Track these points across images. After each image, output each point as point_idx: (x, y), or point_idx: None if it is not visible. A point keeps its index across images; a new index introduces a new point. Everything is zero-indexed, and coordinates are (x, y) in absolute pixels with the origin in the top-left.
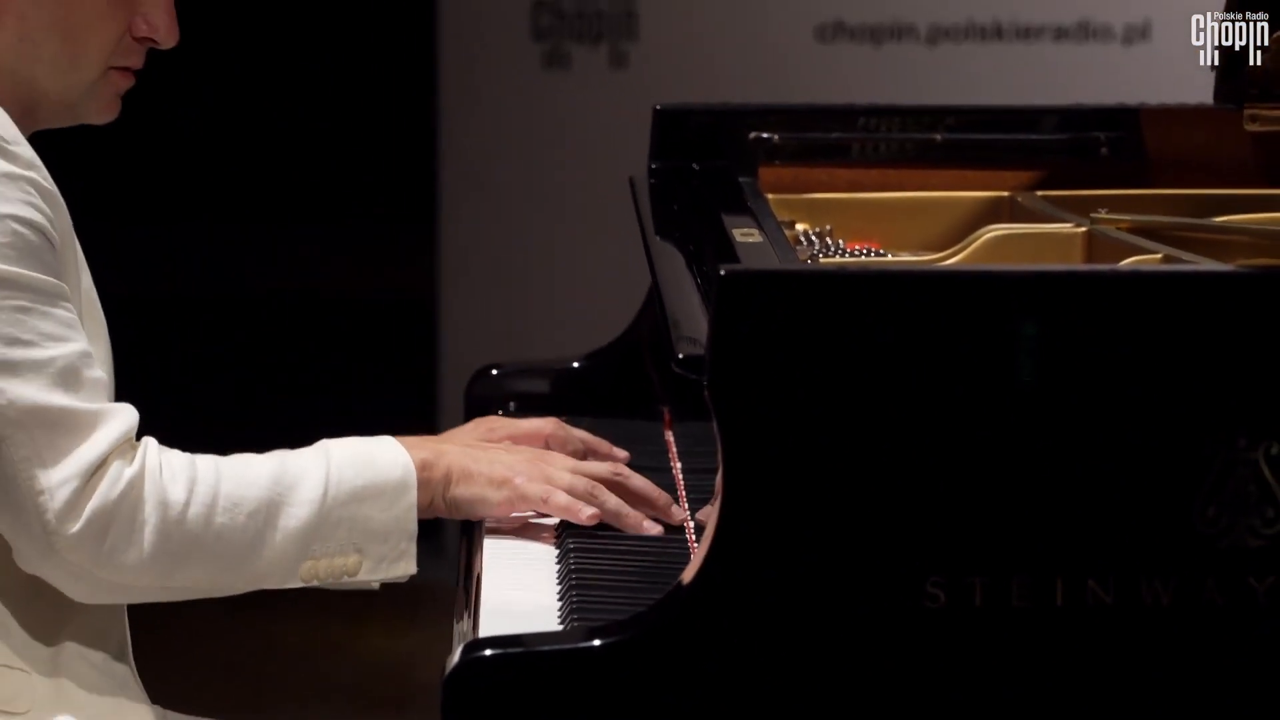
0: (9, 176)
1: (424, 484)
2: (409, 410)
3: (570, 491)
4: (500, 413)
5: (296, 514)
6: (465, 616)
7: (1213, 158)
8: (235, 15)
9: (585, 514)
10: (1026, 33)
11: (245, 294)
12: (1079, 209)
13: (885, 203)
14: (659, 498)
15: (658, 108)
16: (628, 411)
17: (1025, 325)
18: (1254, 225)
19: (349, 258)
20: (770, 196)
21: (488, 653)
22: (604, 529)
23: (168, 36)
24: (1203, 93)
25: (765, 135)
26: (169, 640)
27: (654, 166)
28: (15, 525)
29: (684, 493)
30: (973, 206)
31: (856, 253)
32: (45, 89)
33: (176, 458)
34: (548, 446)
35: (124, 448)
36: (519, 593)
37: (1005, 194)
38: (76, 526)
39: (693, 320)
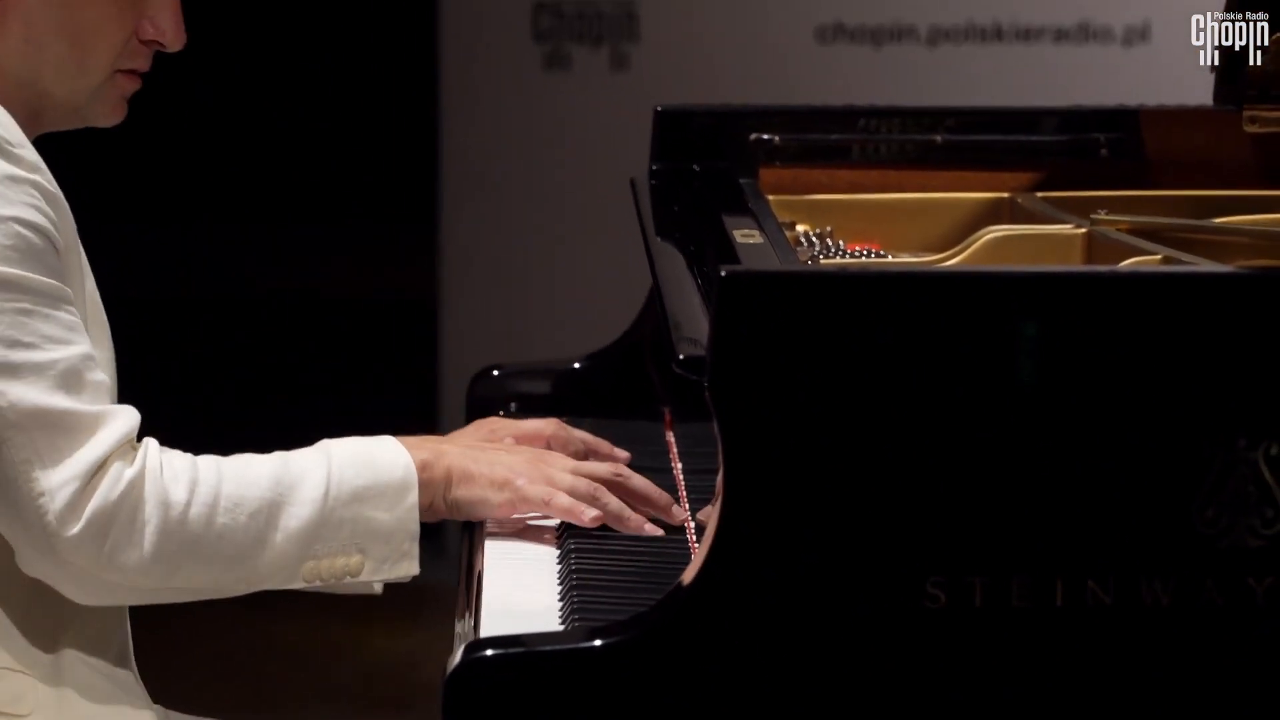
0: (13, 179)
1: (425, 485)
2: (410, 411)
3: (572, 493)
4: (501, 413)
5: (298, 514)
6: (466, 617)
7: (1212, 159)
8: (237, 16)
9: (587, 516)
10: (1026, 34)
11: (246, 294)
12: (1079, 210)
13: (886, 204)
14: (659, 498)
15: (658, 109)
16: (629, 412)
17: (1025, 326)
18: (1253, 226)
19: (350, 258)
20: (771, 198)
21: (489, 653)
22: (605, 529)
23: (175, 40)
24: (1202, 94)
25: (766, 136)
26: (170, 640)
27: (655, 168)
28: (16, 527)
29: (685, 493)
30: (973, 208)
31: (857, 254)
32: (51, 92)
33: (178, 458)
34: (549, 447)
35: (124, 449)
36: (520, 593)
37: (1005, 195)
38: (77, 528)
39: (693, 321)
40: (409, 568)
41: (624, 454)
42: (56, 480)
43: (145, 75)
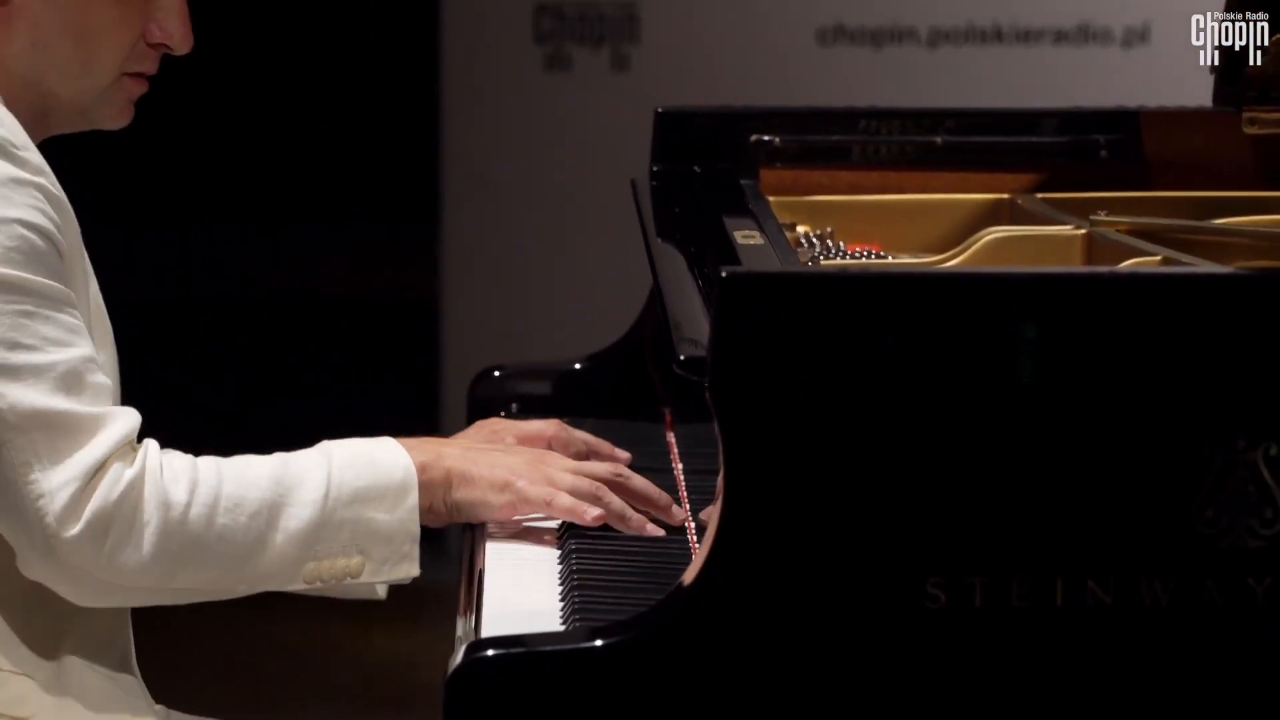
0: (17, 181)
1: (424, 487)
2: (411, 411)
3: (574, 493)
4: (502, 414)
5: (298, 514)
6: (467, 617)
7: (1212, 160)
8: (239, 17)
9: (590, 515)
10: (1026, 36)
11: (247, 295)
12: (1079, 211)
13: (886, 205)
14: (659, 498)
15: (659, 110)
16: (629, 413)
17: (1025, 327)
18: (1253, 227)
19: (351, 258)
20: (771, 199)
21: (490, 653)
22: (606, 530)
23: (182, 43)
24: (1202, 96)
25: (766, 138)
26: (171, 640)
27: (655, 169)
28: (16, 529)
29: (685, 494)
30: (973, 209)
31: (857, 255)
32: (57, 94)
33: (178, 459)
34: (550, 448)
35: (124, 450)
36: (521, 593)
37: (1005, 196)
38: (77, 529)
39: (694, 322)
40: (409, 569)
41: (625, 455)
42: (56, 481)
43: (151, 78)
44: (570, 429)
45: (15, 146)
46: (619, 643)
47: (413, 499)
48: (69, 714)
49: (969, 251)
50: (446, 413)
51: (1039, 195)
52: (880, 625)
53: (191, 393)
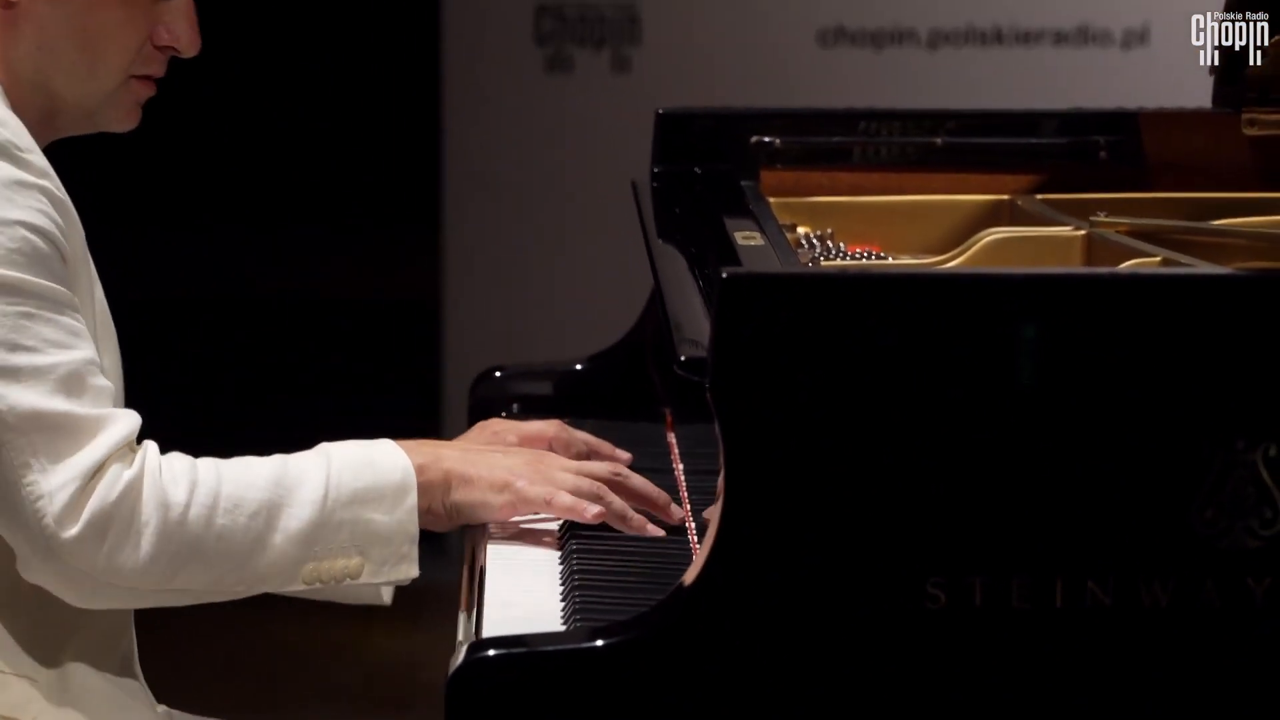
0: (21, 184)
1: (423, 488)
2: (412, 412)
3: (575, 492)
4: (504, 414)
5: (298, 515)
6: (468, 617)
7: (1211, 161)
8: (240, 18)
9: (590, 512)
10: (1026, 37)
11: (249, 295)
12: (1078, 212)
13: (886, 206)
14: (658, 497)
15: (660, 112)
16: (630, 413)
17: (1025, 328)
18: (1252, 228)
19: (353, 259)
20: (772, 200)
21: (491, 653)
22: (606, 530)
23: (190, 45)
24: (1201, 97)
25: (767, 139)
26: (172, 641)
27: (656, 170)
28: (16, 531)
29: (686, 494)
30: (973, 210)
31: (857, 256)
32: (64, 97)
33: (177, 460)
34: (551, 448)
35: (123, 451)
36: (522, 593)
37: (1005, 197)
38: (75, 529)
39: (695, 323)
40: (409, 570)
41: (625, 455)
42: (55, 482)
43: (158, 80)
44: (571, 429)
45: (19, 149)
46: (620, 643)
47: (411, 500)
48: (71, 718)
49: (969, 252)
50: (448, 413)
51: (1039, 196)
52: (880, 625)
53: (192, 393)
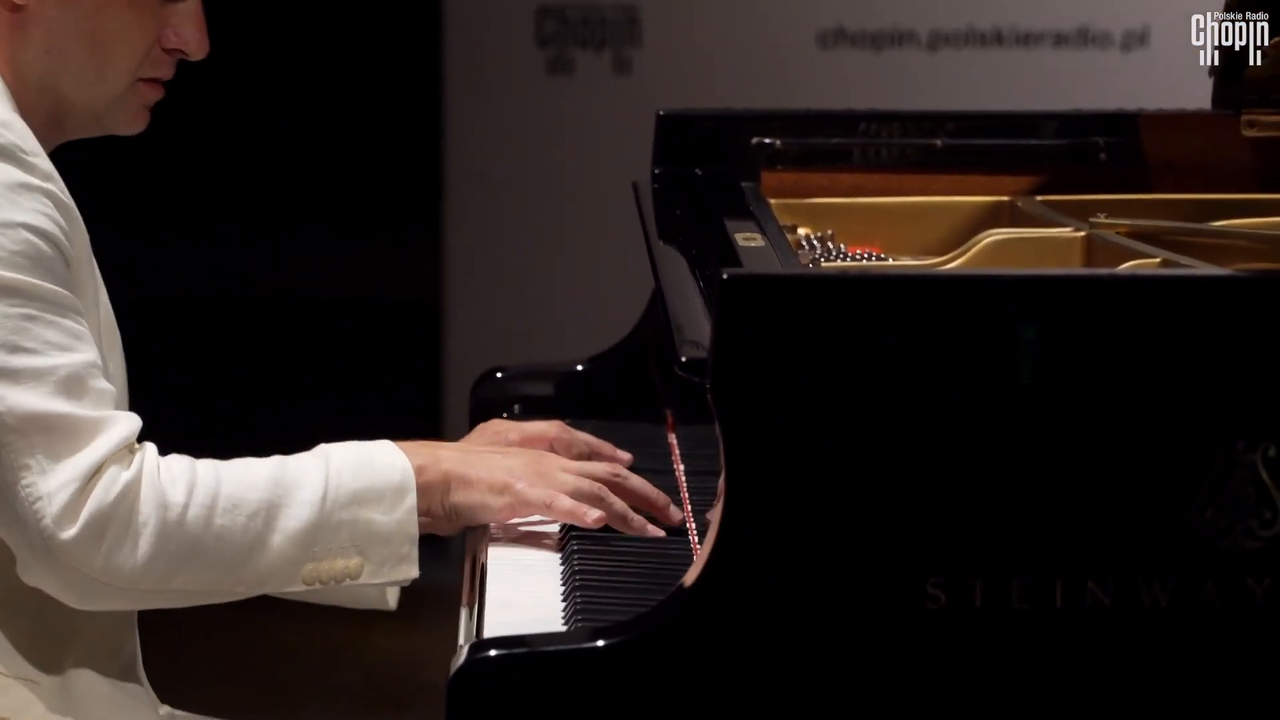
0: (25, 186)
1: (422, 489)
2: (413, 412)
3: (575, 494)
4: (505, 415)
5: (296, 515)
6: (469, 617)
7: (1211, 163)
8: (241, 18)
9: (590, 517)
10: (1026, 39)
11: (249, 295)
12: (1078, 214)
13: (886, 207)
14: (657, 498)
15: (661, 113)
16: (631, 414)
17: (1025, 329)
18: (1251, 230)
19: (354, 260)
20: (772, 201)
21: (492, 653)
22: (607, 531)
23: (198, 48)
24: (1201, 99)
25: (767, 140)
26: (174, 641)
27: (657, 171)
28: (15, 532)
29: (686, 495)
30: (973, 211)
31: (858, 257)
32: (72, 100)
33: (176, 461)
34: (552, 449)
35: (122, 453)
36: (523, 594)
37: (1005, 199)
38: (74, 530)
39: (695, 324)
40: (409, 570)
41: (626, 456)
42: (54, 484)
43: (167, 84)
44: (572, 430)
45: (24, 152)
46: (621, 643)
47: (410, 500)
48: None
49: (969, 254)
50: (449, 414)
51: (1039, 198)
52: (881, 626)
53: (192, 393)
